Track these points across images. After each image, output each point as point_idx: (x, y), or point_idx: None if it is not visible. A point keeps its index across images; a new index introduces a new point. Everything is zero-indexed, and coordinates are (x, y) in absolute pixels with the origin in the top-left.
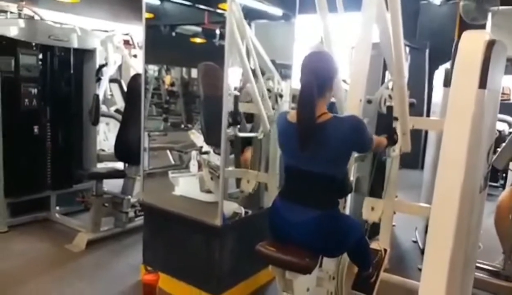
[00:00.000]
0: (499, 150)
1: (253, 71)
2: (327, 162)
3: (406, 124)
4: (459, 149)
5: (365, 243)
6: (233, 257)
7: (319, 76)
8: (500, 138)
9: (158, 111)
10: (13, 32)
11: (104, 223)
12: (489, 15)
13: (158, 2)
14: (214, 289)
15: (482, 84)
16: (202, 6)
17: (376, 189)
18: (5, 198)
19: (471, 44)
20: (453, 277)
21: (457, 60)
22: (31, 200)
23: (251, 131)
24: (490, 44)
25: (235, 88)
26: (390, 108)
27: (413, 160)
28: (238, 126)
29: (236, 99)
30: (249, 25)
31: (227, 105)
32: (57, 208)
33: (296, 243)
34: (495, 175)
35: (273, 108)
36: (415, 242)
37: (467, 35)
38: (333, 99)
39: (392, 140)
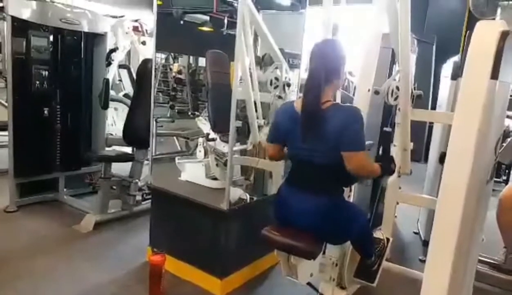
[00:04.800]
0: (504, 145)
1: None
2: (330, 150)
3: (407, 116)
4: (469, 138)
5: (369, 232)
6: (238, 241)
7: (327, 64)
8: (505, 134)
9: (165, 98)
10: (25, 13)
11: (111, 205)
12: (499, 10)
13: None
14: (219, 272)
15: (494, 74)
16: None
17: (380, 180)
18: (15, 178)
19: (485, 34)
20: (457, 266)
21: (470, 49)
22: (40, 181)
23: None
24: (504, 35)
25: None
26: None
27: (416, 152)
28: None
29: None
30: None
31: (236, 94)
32: (65, 189)
33: (301, 229)
34: (497, 170)
35: (280, 97)
36: (417, 233)
37: (482, 24)
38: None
39: (388, 170)
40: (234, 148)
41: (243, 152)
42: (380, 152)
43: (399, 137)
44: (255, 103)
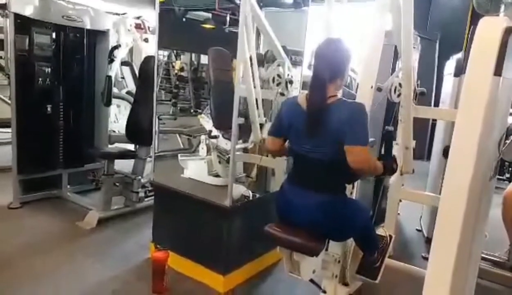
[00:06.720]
0: (507, 142)
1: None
2: (334, 146)
3: (410, 114)
4: (472, 134)
5: (372, 229)
6: (241, 238)
7: (332, 63)
8: (508, 131)
9: (167, 96)
10: (28, 10)
11: (114, 202)
12: (502, 7)
13: None
14: (222, 269)
15: (498, 71)
16: None
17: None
18: (18, 175)
19: (488, 30)
20: (460, 263)
21: (474, 46)
22: (43, 178)
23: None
24: (508, 31)
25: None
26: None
27: (419, 150)
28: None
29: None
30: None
31: (239, 91)
32: (69, 186)
33: (303, 225)
34: (501, 168)
35: (283, 95)
36: (419, 230)
37: (485, 20)
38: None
39: (390, 170)
40: (237, 146)
41: (245, 149)
42: (383, 151)
43: (401, 135)
44: (256, 101)
